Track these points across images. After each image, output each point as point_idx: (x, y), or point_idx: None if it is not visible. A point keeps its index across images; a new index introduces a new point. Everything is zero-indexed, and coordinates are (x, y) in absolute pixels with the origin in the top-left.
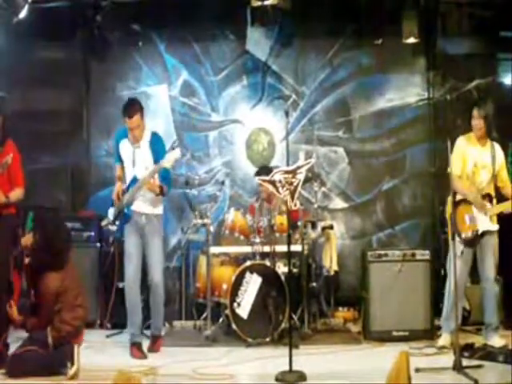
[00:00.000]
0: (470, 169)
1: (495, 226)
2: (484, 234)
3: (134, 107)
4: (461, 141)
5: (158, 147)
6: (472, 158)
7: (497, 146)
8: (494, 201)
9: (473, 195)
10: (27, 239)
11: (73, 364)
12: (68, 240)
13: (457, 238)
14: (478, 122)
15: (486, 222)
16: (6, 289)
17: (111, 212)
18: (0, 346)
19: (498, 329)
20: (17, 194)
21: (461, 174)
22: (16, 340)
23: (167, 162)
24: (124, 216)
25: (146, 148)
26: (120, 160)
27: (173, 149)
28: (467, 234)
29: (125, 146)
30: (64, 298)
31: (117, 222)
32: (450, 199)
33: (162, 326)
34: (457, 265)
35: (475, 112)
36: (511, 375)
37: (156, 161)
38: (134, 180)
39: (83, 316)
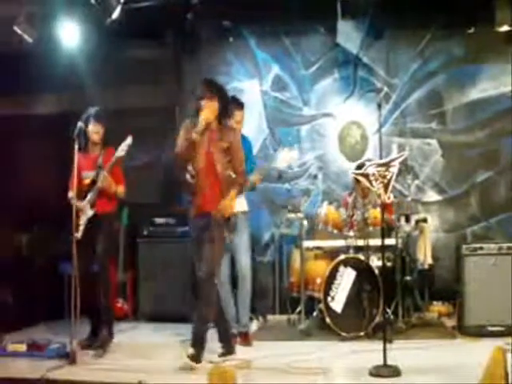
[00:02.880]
0: None
1: None
2: None
3: (243, 103)
4: None
5: (248, 150)
6: None
7: None
8: None
9: None
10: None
11: None
12: None
13: None
14: None
15: None
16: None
17: None
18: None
19: None
20: (121, 190)
21: None
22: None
23: (281, 161)
24: None
25: None
26: None
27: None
28: None
29: None
30: None
31: None
32: None
33: (248, 322)
34: None
35: None
36: None
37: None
38: None
39: None
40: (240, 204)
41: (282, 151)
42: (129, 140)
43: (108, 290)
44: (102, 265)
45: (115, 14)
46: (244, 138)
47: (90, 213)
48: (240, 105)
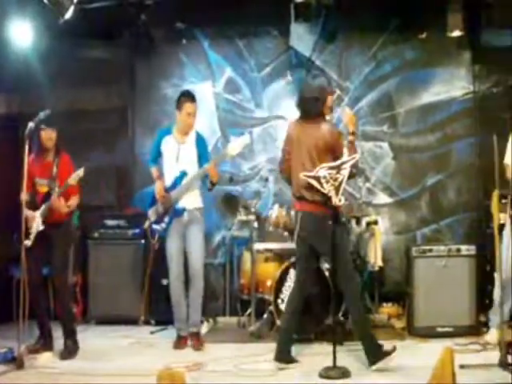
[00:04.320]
0: None
1: None
2: None
3: (194, 96)
4: None
5: (202, 147)
6: None
7: None
8: None
9: None
10: None
11: None
12: None
13: None
14: None
15: None
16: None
17: (152, 212)
18: None
19: None
20: (74, 202)
21: None
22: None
23: (233, 149)
24: (175, 212)
25: (192, 145)
26: (156, 161)
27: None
28: None
29: (168, 143)
30: None
31: (165, 220)
32: (495, 193)
33: (199, 322)
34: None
35: None
36: None
37: (200, 160)
38: (183, 174)
39: None
40: (195, 200)
41: (234, 138)
42: (81, 172)
43: (70, 296)
44: (61, 272)
45: (68, 14)
46: (199, 135)
47: (40, 227)
48: (191, 96)
